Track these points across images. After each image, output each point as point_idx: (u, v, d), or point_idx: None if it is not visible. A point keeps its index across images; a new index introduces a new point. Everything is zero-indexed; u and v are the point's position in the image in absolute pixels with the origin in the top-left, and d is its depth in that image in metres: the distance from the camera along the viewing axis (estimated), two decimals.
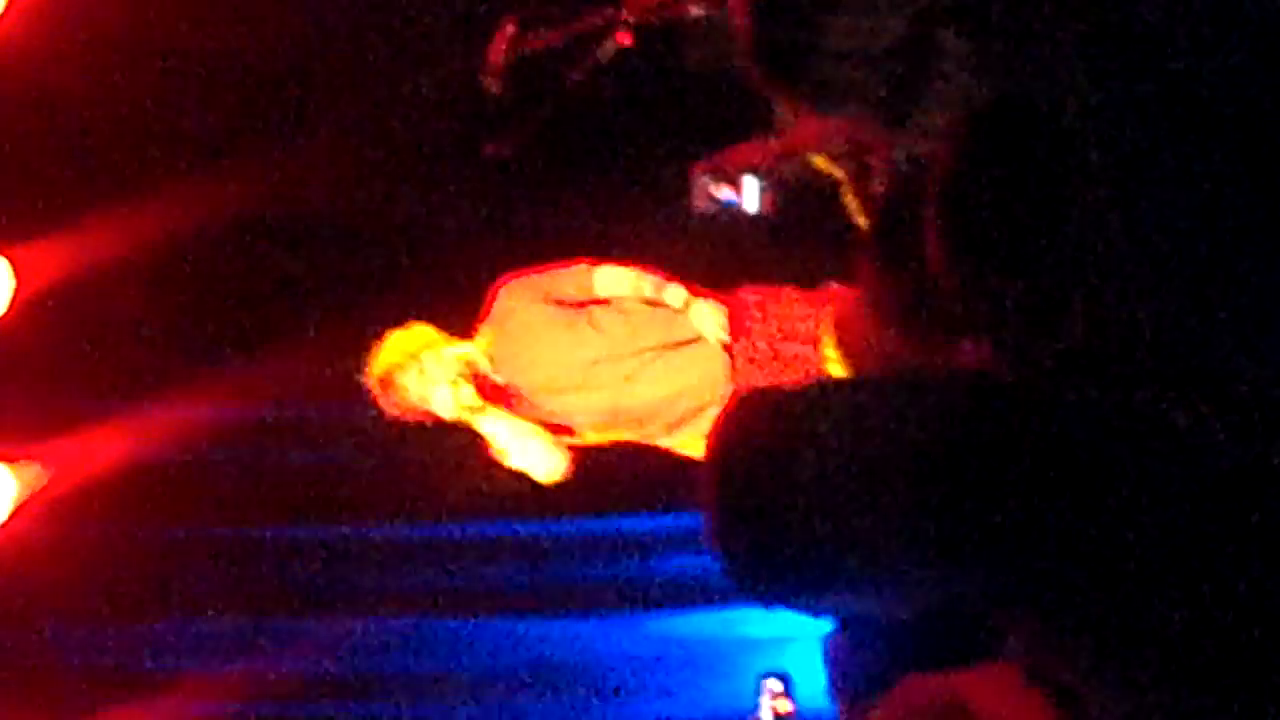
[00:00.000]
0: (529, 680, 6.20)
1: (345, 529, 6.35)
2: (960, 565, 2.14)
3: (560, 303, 5.06)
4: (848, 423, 2.18)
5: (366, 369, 5.09)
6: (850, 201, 4.48)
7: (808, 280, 5.11)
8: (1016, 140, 2.29)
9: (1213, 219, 2.18)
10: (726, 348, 5.02)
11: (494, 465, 5.14)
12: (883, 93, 2.47)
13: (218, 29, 6.12)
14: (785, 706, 4.82)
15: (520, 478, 5.13)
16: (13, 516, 5.89)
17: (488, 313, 5.12)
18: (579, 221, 5.94)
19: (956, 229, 2.31)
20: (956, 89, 2.38)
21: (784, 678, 4.89)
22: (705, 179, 4.52)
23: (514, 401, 5.12)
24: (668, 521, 6.11)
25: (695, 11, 4.44)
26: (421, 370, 5.05)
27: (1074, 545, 2.12)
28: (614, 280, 5.07)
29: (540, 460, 5.08)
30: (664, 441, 5.15)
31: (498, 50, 4.59)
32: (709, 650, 6.08)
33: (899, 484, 2.12)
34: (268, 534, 6.32)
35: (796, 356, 4.92)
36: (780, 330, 4.99)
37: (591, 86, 4.60)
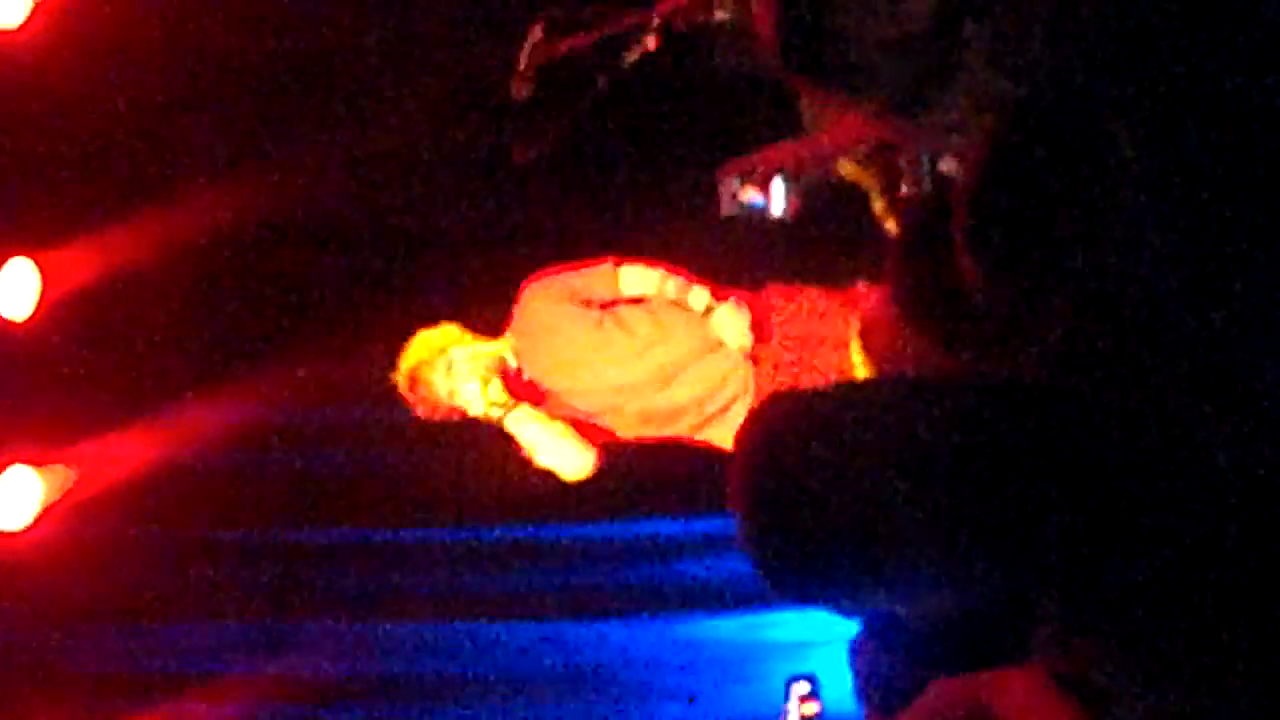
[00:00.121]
0: (555, 684, 6.19)
1: (371, 532, 6.35)
2: (991, 563, 2.14)
3: (588, 302, 5.07)
4: (877, 423, 2.18)
5: (395, 367, 5.10)
6: (879, 206, 4.48)
7: (834, 283, 5.11)
8: (1047, 146, 2.28)
9: (1249, 224, 2.17)
10: (748, 355, 5.02)
11: (521, 467, 5.14)
12: (908, 80, 2.45)
13: (246, 35, 6.14)
14: (812, 709, 4.80)
15: (547, 480, 5.14)
16: (39, 519, 5.91)
17: (516, 312, 5.13)
18: (607, 225, 5.94)
19: (989, 242, 2.30)
20: (980, 81, 2.37)
21: (812, 680, 4.88)
22: (732, 182, 4.51)
23: (542, 399, 5.12)
24: (695, 525, 6.10)
25: (721, 15, 4.45)
26: (450, 366, 5.07)
27: (1105, 544, 2.12)
28: (640, 280, 5.08)
29: (568, 458, 5.08)
30: (692, 436, 5.15)
31: (526, 55, 4.60)
32: (736, 653, 6.08)
33: (929, 483, 2.12)
34: (294, 537, 6.32)
35: (824, 358, 4.92)
36: (807, 332, 4.99)
37: (619, 90, 4.60)
